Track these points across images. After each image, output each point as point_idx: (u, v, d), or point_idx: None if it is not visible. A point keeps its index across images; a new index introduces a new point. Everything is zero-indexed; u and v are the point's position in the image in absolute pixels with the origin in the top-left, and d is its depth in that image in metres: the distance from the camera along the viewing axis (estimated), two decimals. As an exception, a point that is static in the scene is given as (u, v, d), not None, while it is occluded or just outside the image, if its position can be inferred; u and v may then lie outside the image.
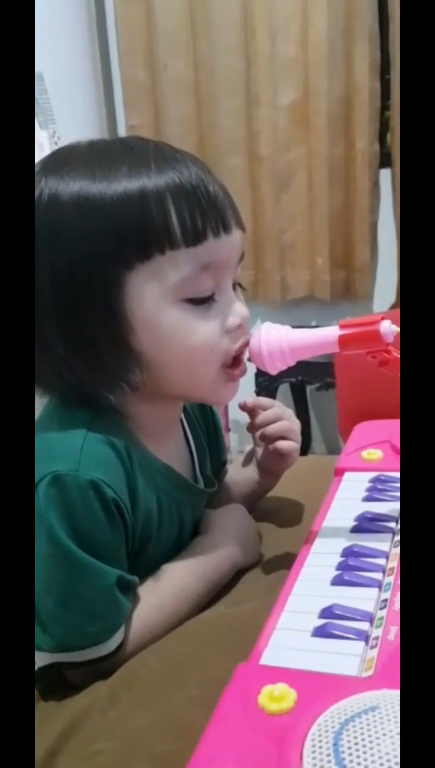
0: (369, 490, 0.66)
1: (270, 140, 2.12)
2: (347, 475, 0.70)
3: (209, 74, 2.14)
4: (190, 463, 0.66)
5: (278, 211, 2.16)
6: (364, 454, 0.73)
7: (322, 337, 0.54)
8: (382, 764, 0.33)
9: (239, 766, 0.36)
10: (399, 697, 0.38)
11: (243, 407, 0.72)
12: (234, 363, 0.58)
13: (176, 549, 0.61)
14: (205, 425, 0.72)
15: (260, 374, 1.97)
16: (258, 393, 2.00)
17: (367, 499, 0.64)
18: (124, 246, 0.51)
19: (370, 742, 0.35)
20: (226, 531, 0.62)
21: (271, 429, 0.69)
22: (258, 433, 0.71)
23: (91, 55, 2.29)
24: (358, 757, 0.34)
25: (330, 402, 1.68)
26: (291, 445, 0.69)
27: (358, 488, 0.67)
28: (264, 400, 0.73)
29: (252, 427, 0.71)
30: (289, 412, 0.72)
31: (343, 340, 0.53)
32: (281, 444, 0.69)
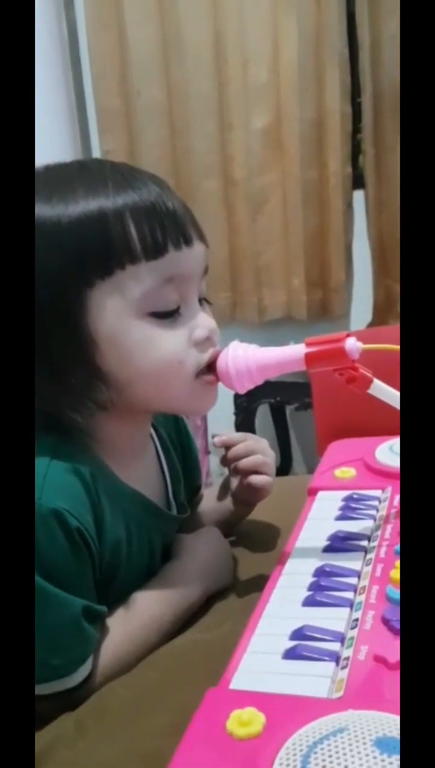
0: (342, 509, 0.65)
1: (244, 164, 2.14)
2: (320, 494, 0.70)
3: (183, 100, 2.16)
4: (163, 489, 0.66)
5: (254, 233, 2.17)
6: (337, 472, 0.73)
7: (288, 355, 0.54)
8: (350, 787, 0.33)
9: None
10: (367, 717, 0.37)
11: (215, 444, 0.72)
12: (209, 370, 0.57)
13: (147, 575, 0.60)
14: (181, 449, 0.72)
15: (239, 395, 1.97)
16: (237, 414, 2.00)
17: (340, 518, 0.64)
18: (84, 265, 0.52)
19: (339, 764, 0.34)
20: (197, 556, 0.62)
21: (243, 463, 0.69)
22: (232, 466, 0.71)
23: (64, 82, 2.30)
24: (326, 780, 0.34)
25: (309, 422, 1.68)
26: (264, 479, 0.69)
27: (330, 507, 0.66)
28: (235, 436, 0.72)
29: (225, 461, 0.71)
30: (263, 444, 0.72)
31: (309, 358, 0.53)
32: (254, 479, 0.69)
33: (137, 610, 0.56)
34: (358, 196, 2.17)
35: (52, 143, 2.20)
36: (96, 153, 2.36)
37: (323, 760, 0.35)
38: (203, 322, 0.57)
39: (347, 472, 0.73)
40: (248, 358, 0.55)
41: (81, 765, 0.44)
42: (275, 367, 0.55)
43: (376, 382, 0.55)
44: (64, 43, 2.30)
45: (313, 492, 0.71)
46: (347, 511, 0.65)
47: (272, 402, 2.06)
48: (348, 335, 0.52)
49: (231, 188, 2.17)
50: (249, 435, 0.72)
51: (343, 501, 0.67)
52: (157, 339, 0.54)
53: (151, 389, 0.56)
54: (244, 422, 1.97)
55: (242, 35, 2.07)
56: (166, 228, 0.53)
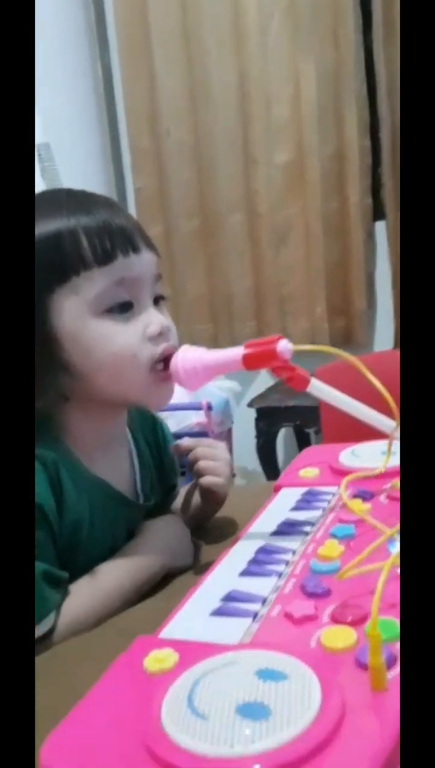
0: (298, 501, 0.71)
1: (267, 198, 2.23)
2: (283, 490, 0.76)
3: (209, 138, 2.28)
4: (132, 481, 0.73)
5: (277, 264, 2.25)
6: (302, 472, 0.79)
7: (230, 356, 0.61)
8: (224, 701, 0.39)
9: (110, 712, 0.42)
10: (256, 654, 0.43)
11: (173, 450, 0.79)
12: (164, 365, 0.64)
13: (110, 554, 0.67)
14: (156, 449, 0.79)
15: (260, 420, 2.03)
16: (258, 437, 2.05)
17: (294, 509, 0.69)
18: (45, 275, 0.61)
19: (220, 686, 0.40)
20: (156, 536, 0.69)
21: (195, 468, 0.76)
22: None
23: (100, 125, 2.46)
24: (207, 697, 0.39)
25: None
26: (210, 480, 0.76)
27: (289, 501, 0.72)
28: (189, 442, 0.79)
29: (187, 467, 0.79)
30: (216, 450, 0.78)
31: (246, 359, 0.60)
32: (202, 480, 0.76)
33: (99, 579, 0.63)
34: (380, 226, 2.24)
35: (88, 182, 2.34)
36: (129, 191, 2.49)
37: (209, 685, 0.41)
38: (156, 318, 0.65)
39: (311, 472, 0.78)
40: (195, 360, 0.62)
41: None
42: (218, 367, 0.62)
43: (314, 381, 0.62)
44: (99, 88, 2.46)
45: (277, 489, 0.77)
46: (302, 504, 0.70)
47: (293, 425, 2.11)
48: (280, 338, 0.59)
49: (255, 221, 2.27)
50: (204, 440, 0.79)
51: (301, 496, 0.73)
52: (112, 334, 0.62)
53: (109, 380, 0.64)
54: (265, 445, 2.03)
55: (264, 76, 2.18)
56: (115, 239, 0.62)
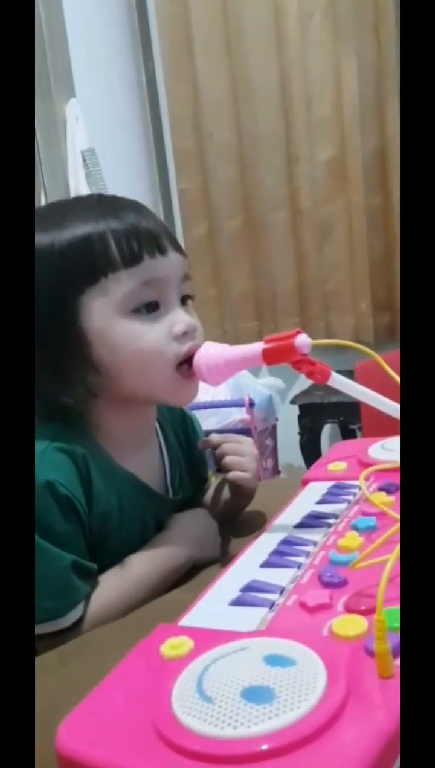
0: (325, 495, 0.72)
1: (310, 194, 2.23)
2: (311, 484, 0.76)
3: (252, 138, 2.29)
4: (162, 476, 0.75)
5: (321, 260, 2.25)
6: (330, 466, 0.79)
7: (250, 351, 0.62)
8: (230, 686, 0.40)
9: (126, 695, 0.44)
10: (267, 641, 0.44)
11: (199, 447, 0.80)
12: (188, 363, 0.66)
13: (139, 547, 0.69)
14: (186, 444, 0.80)
15: (303, 416, 2.03)
16: (301, 434, 2.05)
17: (320, 502, 0.70)
18: (75, 277, 0.63)
19: (228, 671, 0.42)
20: (183, 529, 0.70)
21: (222, 463, 0.78)
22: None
23: (144, 128, 2.50)
24: (215, 682, 0.41)
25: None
26: (235, 475, 0.77)
27: (315, 494, 0.73)
28: (217, 438, 0.80)
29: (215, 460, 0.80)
30: (244, 445, 0.79)
31: (265, 354, 0.61)
32: (229, 475, 0.77)
33: (128, 570, 0.65)
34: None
35: (133, 185, 2.37)
36: (174, 192, 2.52)
37: (218, 670, 0.42)
38: (182, 318, 0.66)
39: (339, 466, 0.79)
40: (217, 356, 0.63)
41: (59, 686, 0.53)
42: (240, 362, 0.63)
43: (335, 374, 0.62)
44: (143, 92, 2.49)
45: (305, 483, 0.77)
46: (328, 497, 0.71)
47: (337, 422, 2.11)
48: (299, 332, 0.60)
49: (298, 218, 2.27)
50: (231, 436, 0.80)
51: (327, 489, 0.73)
52: (139, 333, 0.64)
53: (136, 377, 0.66)
54: (309, 442, 2.03)
55: (306, 74, 2.18)
56: (142, 241, 0.64)
